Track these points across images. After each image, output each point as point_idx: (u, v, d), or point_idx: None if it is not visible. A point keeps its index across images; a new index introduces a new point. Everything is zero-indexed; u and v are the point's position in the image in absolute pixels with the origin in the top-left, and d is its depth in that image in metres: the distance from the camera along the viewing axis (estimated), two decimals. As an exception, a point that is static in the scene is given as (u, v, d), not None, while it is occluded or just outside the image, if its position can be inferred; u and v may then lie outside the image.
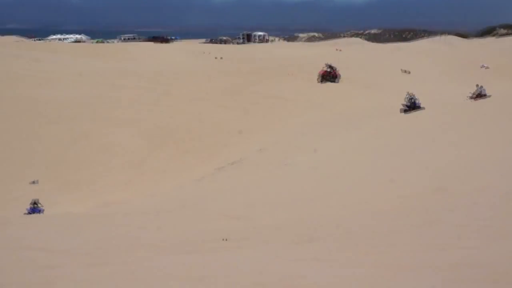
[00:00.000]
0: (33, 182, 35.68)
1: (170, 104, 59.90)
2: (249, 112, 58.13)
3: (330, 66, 68.73)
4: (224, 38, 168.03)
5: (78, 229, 16.33)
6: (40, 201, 33.97)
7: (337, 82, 67.94)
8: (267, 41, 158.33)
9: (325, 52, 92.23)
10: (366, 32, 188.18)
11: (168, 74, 73.30)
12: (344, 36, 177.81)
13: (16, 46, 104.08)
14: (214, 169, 40.00)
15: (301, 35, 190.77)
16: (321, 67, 69.42)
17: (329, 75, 68.26)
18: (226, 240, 12.66)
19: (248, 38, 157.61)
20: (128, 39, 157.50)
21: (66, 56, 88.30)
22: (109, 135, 50.58)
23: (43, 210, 33.31)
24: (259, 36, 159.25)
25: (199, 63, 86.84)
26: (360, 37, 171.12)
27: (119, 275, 9.78)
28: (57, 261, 11.17)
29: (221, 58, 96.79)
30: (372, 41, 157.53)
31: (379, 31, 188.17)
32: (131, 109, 57.28)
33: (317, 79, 68.32)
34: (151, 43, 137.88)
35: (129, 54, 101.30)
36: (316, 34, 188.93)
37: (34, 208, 33.41)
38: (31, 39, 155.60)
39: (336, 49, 75.67)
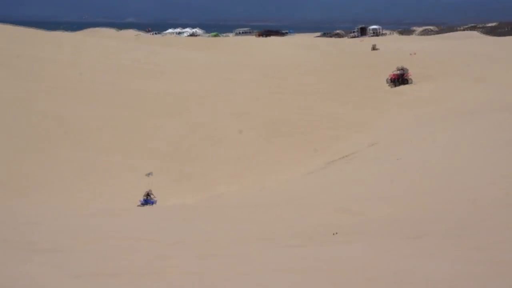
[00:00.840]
0: (148, 174, 36.30)
1: (282, 97, 60.06)
2: (361, 105, 57.75)
3: (402, 69, 65.95)
4: (338, 31, 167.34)
5: (189, 221, 16.55)
6: (152, 193, 34.72)
7: (411, 83, 64.81)
8: (382, 34, 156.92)
9: (438, 47, 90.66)
10: (483, 25, 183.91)
11: (280, 68, 73.57)
12: (459, 30, 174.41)
13: (135, 40, 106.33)
14: (324, 162, 39.92)
15: (416, 28, 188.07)
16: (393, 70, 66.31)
17: (401, 78, 65.15)
18: (337, 233, 12.61)
19: (363, 32, 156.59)
20: (243, 32, 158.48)
21: (182, 50, 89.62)
22: (221, 128, 51.10)
23: (156, 201, 33.99)
24: (374, 29, 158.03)
25: (312, 57, 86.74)
26: (477, 31, 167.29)
27: (230, 268, 9.84)
28: (168, 252, 11.33)
29: (378, 49, 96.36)
30: (489, 35, 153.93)
31: (496, 24, 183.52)
32: (244, 102, 57.70)
33: (387, 83, 65.03)
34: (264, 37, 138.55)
35: (243, 47, 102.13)
36: (431, 28, 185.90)
37: (147, 200, 34.16)
38: (148, 33, 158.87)
39: (410, 54, 71.56)
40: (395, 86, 63.86)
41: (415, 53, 70.32)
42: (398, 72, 64.62)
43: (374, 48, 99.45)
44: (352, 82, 65.46)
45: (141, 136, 48.93)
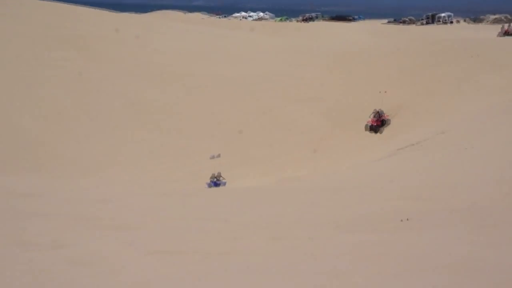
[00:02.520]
0: (215, 156, 36.64)
1: (350, 83, 59.72)
2: (431, 93, 57.02)
3: (378, 113, 55.76)
4: (407, 18, 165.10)
5: (258, 203, 16.62)
6: (222, 175, 35.09)
7: (388, 124, 55.19)
8: (451, 22, 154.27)
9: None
10: None
11: (349, 54, 73.08)
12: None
13: (202, 23, 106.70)
14: (393, 150, 39.63)
15: (489, 16, 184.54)
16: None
17: (379, 123, 55.28)
18: (407, 220, 12.51)
19: (432, 19, 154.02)
20: (311, 17, 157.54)
21: (249, 34, 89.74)
22: (291, 112, 51.15)
23: (225, 183, 34.33)
24: (444, 17, 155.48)
25: (380, 43, 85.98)
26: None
27: (299, 250, 9.88)
28: (237, 233, 11.43)
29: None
30: None
31: None
32: (313, 88, 57.59)
33: (367, 130, 55.09)
34: (334, 22, 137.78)
35: (311, 32, 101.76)
36: (502, 17, 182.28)
37: (216, 182, 34.54)
38: (216, 16, 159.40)
39: (380, 92, 59.81)
40: (377, 132, 54.44)
41: (385, 91, 61.07)
42: (375, 117, 55.01)
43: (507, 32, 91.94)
44: (421, 69, 64.59)
45: (210, 119, 49.27)
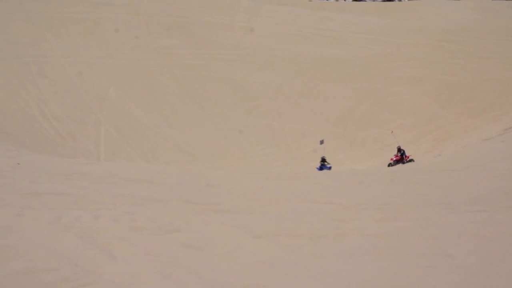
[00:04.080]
0: (321, 142, 36.76)
1: (457, 62, 58.62)
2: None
3: (399, 149, 49.92)
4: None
5: (366, 185, 16.56)
6: (327, 159, 35.20)
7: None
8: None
9: None
10: None
11: (456, 32, 71.71)
12: None
13: (308, 6, 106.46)
14: (503, 129, 38.87)
15: None
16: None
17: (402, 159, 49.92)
18: (519, 200, 12.27)
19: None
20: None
21: (354, 15, 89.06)
22: (395, 93, 50.63)
23: (331, 167, 34.45)
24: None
25: (490, 21, 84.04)
26: None
27: (409, 231, 9.80)
28: (347, 215, 11.41)
29: None
30: None
31: None
32: (417, 67, 56.79)
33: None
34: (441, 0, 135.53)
35: (417, 11, 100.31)
36: None
37: (323, 165, 34.74)
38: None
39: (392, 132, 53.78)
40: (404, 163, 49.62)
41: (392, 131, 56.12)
42: (399, 153, 50.21)
43: None
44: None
45: (315, 102, 49.25)
